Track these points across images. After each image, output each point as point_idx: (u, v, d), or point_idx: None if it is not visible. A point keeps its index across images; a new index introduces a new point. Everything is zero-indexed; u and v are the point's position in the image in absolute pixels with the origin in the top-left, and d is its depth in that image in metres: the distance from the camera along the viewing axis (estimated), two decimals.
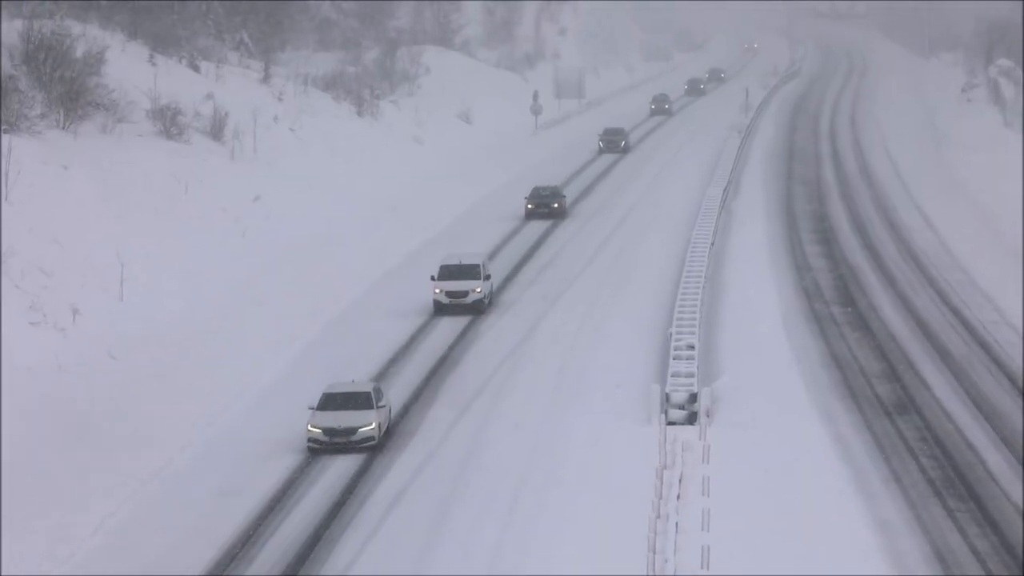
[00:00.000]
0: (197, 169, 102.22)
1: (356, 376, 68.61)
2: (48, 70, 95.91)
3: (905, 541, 51.02)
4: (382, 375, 72.25)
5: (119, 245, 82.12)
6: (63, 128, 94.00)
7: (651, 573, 46.25)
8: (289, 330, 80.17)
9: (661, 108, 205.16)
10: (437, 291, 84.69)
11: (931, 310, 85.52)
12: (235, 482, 58.33)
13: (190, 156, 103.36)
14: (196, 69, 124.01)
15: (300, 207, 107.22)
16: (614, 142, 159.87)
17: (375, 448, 61.28)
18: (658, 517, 51.20)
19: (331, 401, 62.10)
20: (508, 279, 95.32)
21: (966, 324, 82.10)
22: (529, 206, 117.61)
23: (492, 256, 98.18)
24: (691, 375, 67.45)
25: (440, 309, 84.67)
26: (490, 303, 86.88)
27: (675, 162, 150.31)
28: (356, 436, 61.01)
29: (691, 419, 63.37)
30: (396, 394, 68.45)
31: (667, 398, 64.57)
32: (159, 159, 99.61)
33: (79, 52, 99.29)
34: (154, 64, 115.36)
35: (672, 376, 67.32)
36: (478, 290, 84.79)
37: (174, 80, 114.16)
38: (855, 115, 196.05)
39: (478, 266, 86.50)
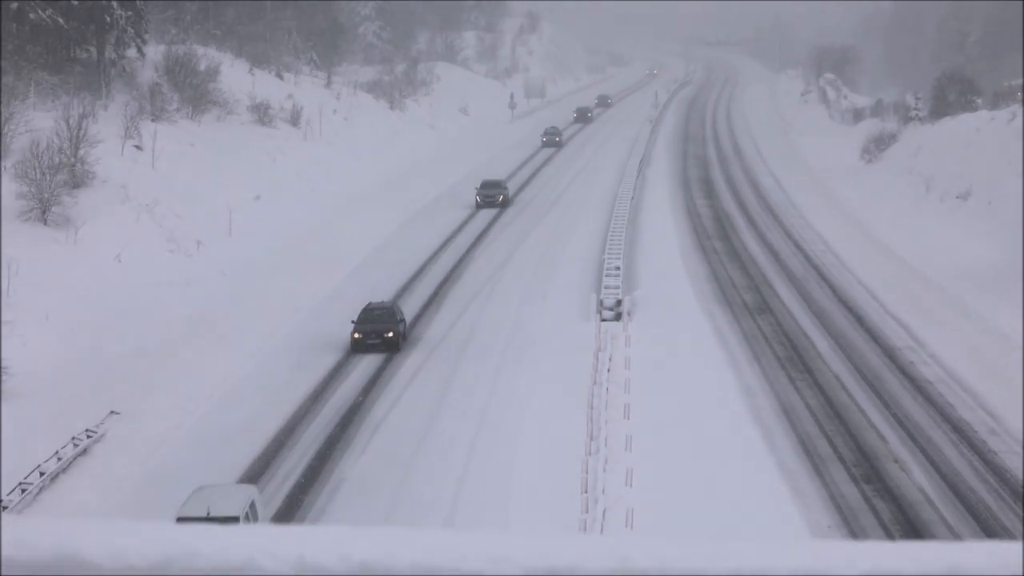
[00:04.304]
0: (281, 146, 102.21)
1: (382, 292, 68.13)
2: (181, 79, 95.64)
3: (761, 400, 51.24)
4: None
5: (228, 198, 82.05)
6: (191, 119, 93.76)
7: (589, 422, 46.44)
8: (345, 256, 79.70)
9: (552, 141, 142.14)
10: None
11: (780, 244, 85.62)
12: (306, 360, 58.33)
13: (276, 137, 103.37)
14: (281, 78, 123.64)
15: (351, 171, 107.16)
16: (491, 196, 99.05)
17: None
18: (595, 384, 51.35)
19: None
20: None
21: (804, 253, 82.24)
22: (356, 335, 57.53)
23: (480, 213, 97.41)
24: (617, 287, 67.61)
25: None
26: None
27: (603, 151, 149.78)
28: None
29: (617, 317, 63.55)
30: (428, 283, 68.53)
31: (601, 303, 64.75)
32: (255, 139, 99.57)
33: (202, 67, 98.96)
34: (252, 75, 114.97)
35: (604, 288, 67.47)
36: None
37: (266, 85, 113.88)
38: (730, 111, 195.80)
39: None
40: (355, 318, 58.57)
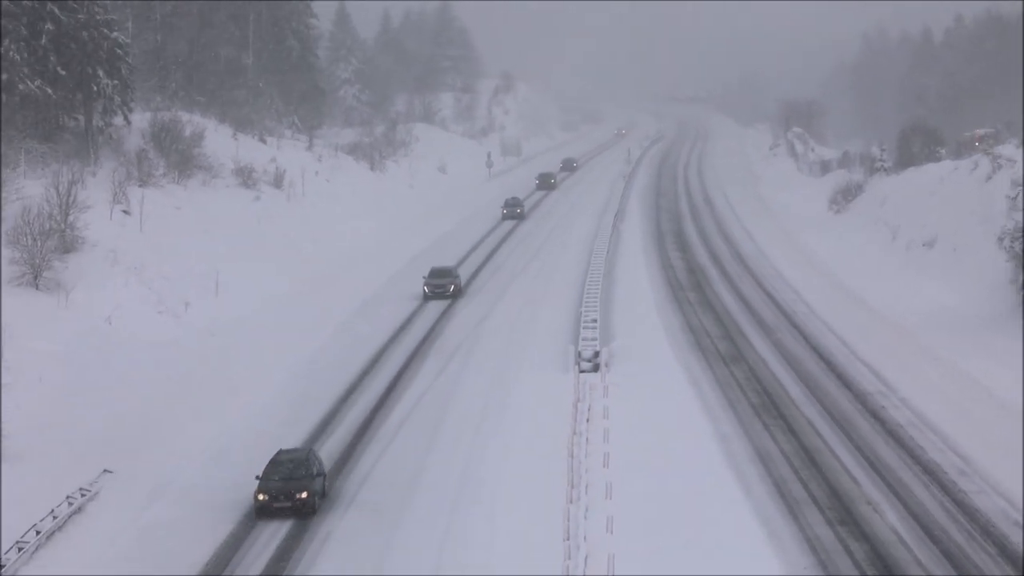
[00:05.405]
0: (265, 208, 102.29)
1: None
2: (167, 145, 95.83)
3: (737, 446, 51.52)
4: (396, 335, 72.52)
5: (214, 260, 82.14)
6: (177, 182, 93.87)
7: (569, 471, 46.62)
8: (325, 317, 79.52)
9: (513, 213, 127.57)
10: None
11: (752, 293, 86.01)
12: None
13: (260, 199, 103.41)
14: (263, 141, 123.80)
15: (333, 232, 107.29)
16: (441, 287, 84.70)
17: None
18: (574, 433, 51.57)
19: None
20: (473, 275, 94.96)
21: (775, 302, 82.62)
22: (260, 497, 43.24)
23: (463, 265, 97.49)
24: (595, 339, 67.89)
25: None
26: None
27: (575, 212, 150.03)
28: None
29: (595, 368, 63.81)
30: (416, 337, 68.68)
31: (579, 354, 65.03)
32: (240, 202, 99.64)
33: (187, 132, 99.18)
34: (236, 139, 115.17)
35: (582, 340, 67.74)
36: None
37: (249, 149, 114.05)
38: (701, 165, 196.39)
39: None
40: (260, 472, 44.61)
